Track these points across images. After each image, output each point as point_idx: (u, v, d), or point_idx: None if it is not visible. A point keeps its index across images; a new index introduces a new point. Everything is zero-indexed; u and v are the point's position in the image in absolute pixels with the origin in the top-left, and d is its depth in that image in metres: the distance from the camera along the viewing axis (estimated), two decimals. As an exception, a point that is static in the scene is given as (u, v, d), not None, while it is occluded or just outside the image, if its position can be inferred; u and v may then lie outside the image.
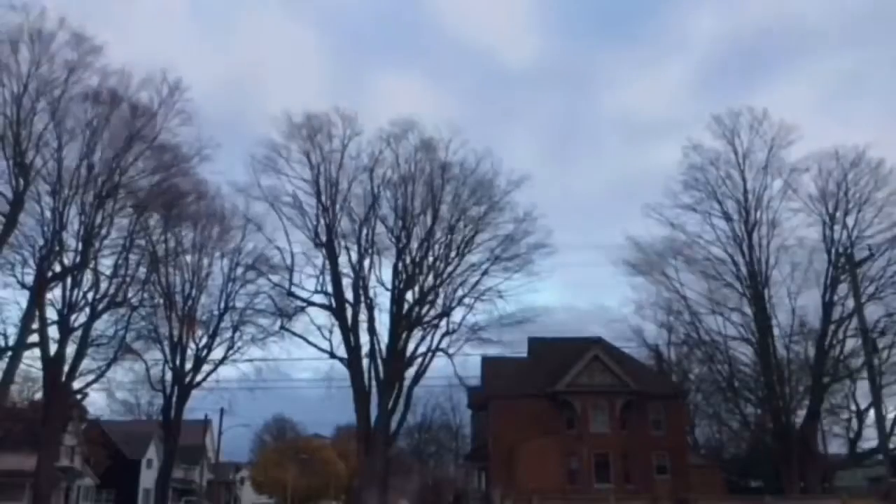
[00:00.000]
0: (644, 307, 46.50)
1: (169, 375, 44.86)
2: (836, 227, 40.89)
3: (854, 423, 45.45)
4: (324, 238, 40.45)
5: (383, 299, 40.95)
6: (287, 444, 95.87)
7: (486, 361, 43.82)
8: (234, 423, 57.02)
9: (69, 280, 35.39)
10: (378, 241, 41.18)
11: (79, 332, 35.50)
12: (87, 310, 35.79)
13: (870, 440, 44.39)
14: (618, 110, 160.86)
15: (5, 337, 33.51)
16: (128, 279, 37.15)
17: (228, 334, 45.18)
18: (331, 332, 40.15)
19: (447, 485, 72.42)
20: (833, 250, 40.58)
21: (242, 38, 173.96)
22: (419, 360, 40.79)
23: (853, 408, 45.42)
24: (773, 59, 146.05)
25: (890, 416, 39.50)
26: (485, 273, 40.77)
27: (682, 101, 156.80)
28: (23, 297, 33.58)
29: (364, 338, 40.01)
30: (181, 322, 43.77)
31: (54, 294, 35.34)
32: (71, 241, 35.08)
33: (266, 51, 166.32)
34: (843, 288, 39.64)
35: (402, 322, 40.11)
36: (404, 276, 40.85)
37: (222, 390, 46.52)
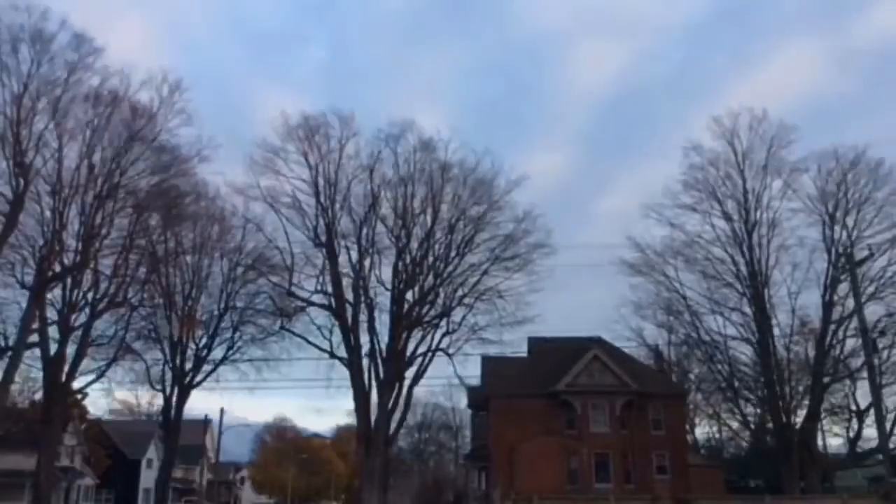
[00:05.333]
0: (644, 307, 46.44)
1: (169, 375, 44.88)
2: (836, 227, 40.84)
3: (854, 423, 45.51)
4: (323, 238, 40.45)
5: (383, 299, 41.02)
6: (287, 444, 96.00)
7: (486, 361, 43.80)
8: (235, 423, 57.11)
9: (69, 280, 35.37)
10: (378, 240, 41.23)
11: (79, 332, 35.52)
12: (87, 310, 35.81)
13: (870, 440, 44.48)
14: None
15: (5, 337, 33.58)
16: (128, 279, 37.11)
17: (228, 334, 45.27)
18: (331, 332, 40.25)
19: (447, 485, 72.40)
20: (833, 250, 40.55)
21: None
22: (419, 360, 40.85)
23: (853, 408, 45.47)
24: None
25: (890, 416, 39.58)
26: (485, 273, 40.75)
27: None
28: (23, 297, 33.58)
29: (364, 338, 40.08)
30: (181, 322, 43.77)
31: (54, 294, 35.41)
32: (71, 241, 35.11)
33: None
34: (843, 288, 39.61)
35: (402, 322, 40.10)
36: (404, 275, 40.84)
37: (222, 390, 46.59)
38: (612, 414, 40.07)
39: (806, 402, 41.54)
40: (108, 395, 44.93)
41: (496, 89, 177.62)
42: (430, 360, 40.87)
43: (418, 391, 50.01)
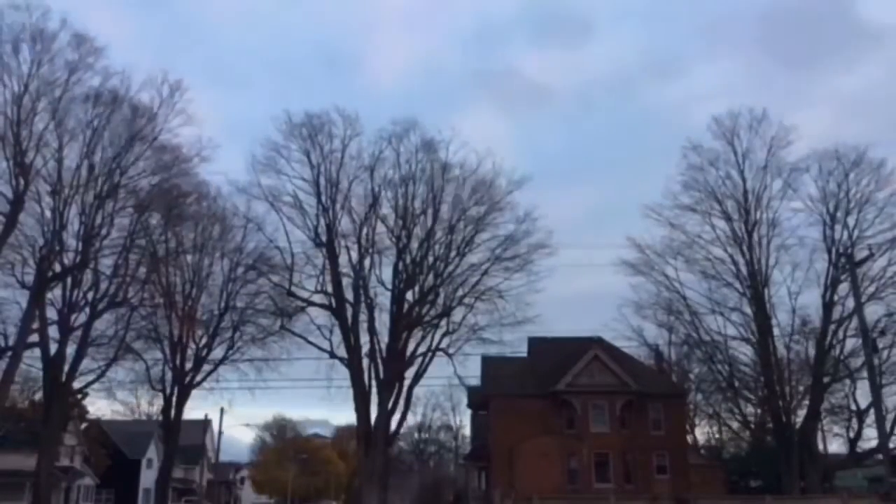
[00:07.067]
0: (644, 307, 46.36)
1: (169, 375, 44.81)
2: (837, 227, 40.83)
3: (854, 423, 45.48)
4: (324, 238, 40.43)
5: (383, 299, 40.96)
6: (287, 444, 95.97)
7: (486, 361, 43.80)
8: (234, 423, 57.11)
9: (69, 280, 35.37)
10: (378, 240, 41.17)
11: (79, 332, 35.49)
12: (87, 310, 35.78)
13: (870, 440, 44.42)
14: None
15: (5, 337, 33.54)
16: (128, 279, 37.07)
17: (228, 334, 45.00)
18: (331, 331, 40.14)
19: (447, 485, 72.39)
20: (833, 250, 40.55)
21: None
22: (419, 360, 40.79)
23: (853, 408, 45.44)
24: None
25: (890, 416, 39.57)
26: (485, 273, 40.69)
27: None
28: (23, 297, 33.54)
29: (364, 338, 40.00)
30: (181, 322, 43.67)
31: (54, 294, 35.38)
32: (71, 241, 35.09)
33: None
34: (843, 288, 39.62)
35: (403, 322, 40.08)
36: (404, 275, 40.83)
37: (222, 390, 46.49)
38: (612, 414, 40.09)
39: (806, 402, 41.55)
40: (108, 395, 44.63)
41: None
42: (430, 360, 40.85)
43: (418, 391, 49.96)
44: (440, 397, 79.92)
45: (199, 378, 45.32)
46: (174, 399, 44.87)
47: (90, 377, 37.38)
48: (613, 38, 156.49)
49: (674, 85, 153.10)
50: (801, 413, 41.56)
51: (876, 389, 30.96)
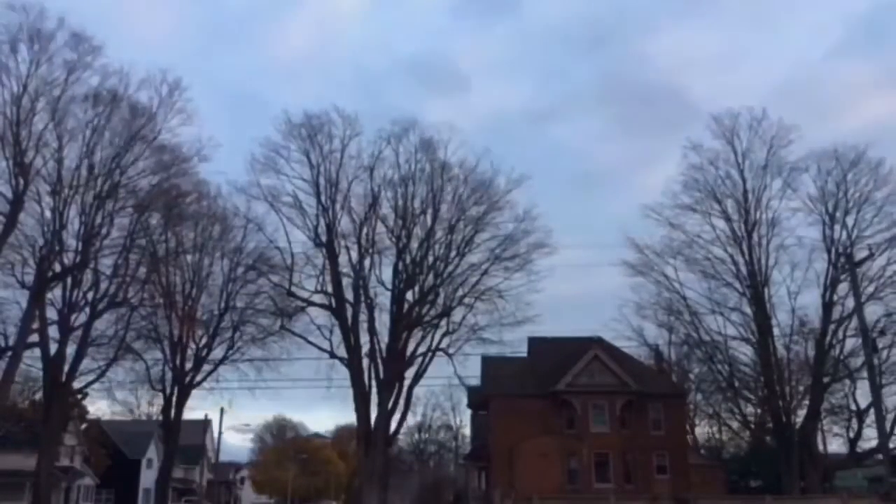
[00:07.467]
0: (644, 307, 46.37)
1: (169, 375, 44.81)
2: (836, 227, 40.89)
3: (854, 423, 45.49)
4: (324, 238, 40.46)
5: (383, 299, 40.99)
6: (287, 444, 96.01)
7: (486, 361, 43.80)
8: (234, 423, 57.07)
9: (69, 280, 35.37)
10: (378, 240, 41.20)
11: (79, 332, 35.50)
12: (87, 310, 35.79)
13: (870, 440, 44.47)
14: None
15: (5, 337, 33.55)
16: (128, 279, 37.08)
17: (228, 334, 45.01)
18: (331, 331, 40.16)
19: (447, 485, 72.38)
20: (833, 250, 40.60)
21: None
22: (419, 360, 40.80)
23: (853, 408, 45.46)
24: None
25: (890, 416, 39.57)
26: (485, 273, 40.73)
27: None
28: (23, 297, 33.56)
29: (364, 338, 40.02)
30: (181, 322, 43.66)
31: (54, 294, 35.39)
32: (71, 240, 35.10)
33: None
34: (843, 288, 39.67)
35: (403, 322, 40.09)
36: (404, 275, 40.84)
37: (222, 390, 46.49)
38: (612, 414, 40.08)
39: (806, 402, 41.57)
40: (108, 395, 44.66)
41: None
42: (430, 360, 40.86)
43: (418, 391, 50.02)
44: (440, 397, 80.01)
45: (199, 378, 45.35)
46: (174, 399, 44.87)
47: (90, 377, 37.46)
48: (488, 91, 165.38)
49: (550, 134, 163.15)
50: (801, 413, 41.58)
51: (876, 389, 30.95)
